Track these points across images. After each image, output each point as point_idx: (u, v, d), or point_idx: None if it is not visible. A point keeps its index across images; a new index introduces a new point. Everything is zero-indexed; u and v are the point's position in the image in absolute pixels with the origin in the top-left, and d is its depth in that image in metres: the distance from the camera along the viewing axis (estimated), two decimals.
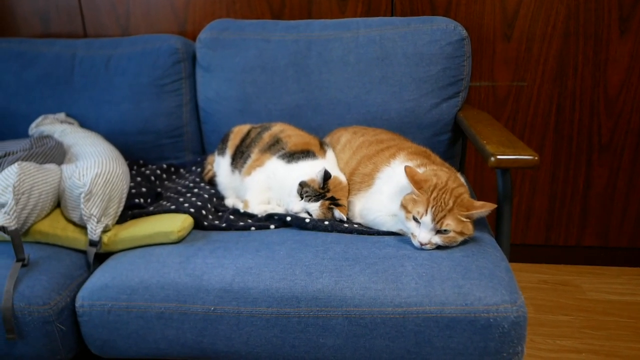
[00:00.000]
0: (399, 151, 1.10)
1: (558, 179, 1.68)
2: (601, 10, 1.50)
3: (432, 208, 0.93)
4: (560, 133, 1.63)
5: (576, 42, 1.54)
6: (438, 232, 0.94)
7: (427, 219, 0.93)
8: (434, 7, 1.56)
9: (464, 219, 0.94)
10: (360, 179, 1.11)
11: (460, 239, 0.95)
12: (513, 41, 1.56)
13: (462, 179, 1.04)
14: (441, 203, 0.93)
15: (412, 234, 0.96)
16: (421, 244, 0.94)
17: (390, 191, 1.03)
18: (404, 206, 0.97)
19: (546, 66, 1.57)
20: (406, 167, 0.97)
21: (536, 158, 0.96)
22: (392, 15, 1.58)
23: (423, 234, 0.94)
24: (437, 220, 0.92)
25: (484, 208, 0.94)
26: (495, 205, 0.96)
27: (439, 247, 0.96)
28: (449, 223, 0.92)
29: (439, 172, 1.00)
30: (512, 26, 1.55)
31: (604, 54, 1.54)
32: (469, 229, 0.95)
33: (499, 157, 0.97)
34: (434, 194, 0.94)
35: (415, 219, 0.94)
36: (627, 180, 1.65)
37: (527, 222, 1.73)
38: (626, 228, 1.69)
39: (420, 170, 1.02)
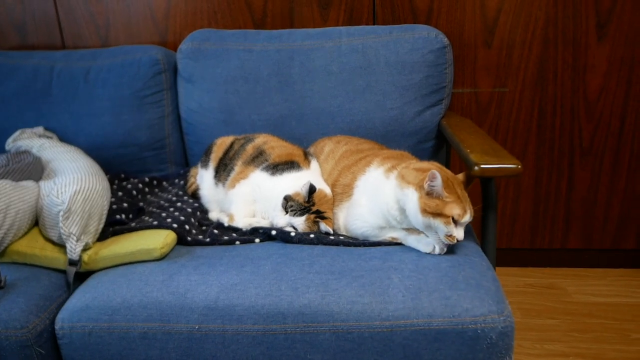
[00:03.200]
0: (373, 158, 1.10)
1: (541, 183, 1.69)
2: (579, 17, 1.53)
3: (468, 204, 0.94)
4: (542, 137, 1.65)
5: (555, 48, 1.56)
6: None
7: (467, 217, 0.93)
8: (415, 14, 1.57)
9: None
10: (341, 189, 1.10)
11: None
12: (494, 48, 1.58)
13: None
14: (466, 196, 0.95)
15: (447, 235, 0.93)
16: (457, 241, 0.94)
17: (369, 201, 1.03)
18: (435, 213, 0.92)
19: (527, 72, 1.59)
20: (432, 172, 0.91)
21: (519, 167, 0.96)
22: (374, 23, 1.58)
23: (462, 232, 0.94)
24: (471, 214, 0.94)
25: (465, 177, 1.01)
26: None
27: (421, 255, 0.97)
28: (473, 213, 0.95)
29: (425, 164, 1.01)
30: (493, 33, 1.56)
31: (582, 60, 1.56)
32: None
33: (482, 166, 0.97)
34: (459, 192, 0.94)
35: (454, 221, 0.93)
36: (609, 182, 1.67)
37: (512, 226, 1.75)
38: (609, 230, 1.72)
39: (394, 173, 1.01)
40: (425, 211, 0.92)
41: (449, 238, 0.93)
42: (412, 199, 0.94)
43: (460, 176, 1.00)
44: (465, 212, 0.93)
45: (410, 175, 0.97)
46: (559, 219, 1.72)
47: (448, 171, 1.00)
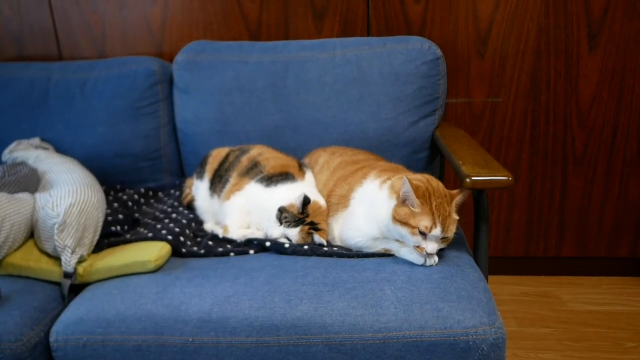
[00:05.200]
0: (370, 170, 1.10)
1: (535, 192, 1.71)
2: (570, 27, 1.55)
3: (439, 218, 0.92)
4: (535, 146, 1.66)
5: (548, 58, 1.58)
6: (442, 238, 0.94)
7: (437, 231, 0.92)
8: (409, 26, 1.58)
9: (456, 216, 0.96)
10: (337, 200, 1.11)
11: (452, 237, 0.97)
12: (487, 58, 1.59)
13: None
14: (442, 210, 0.92)
15: (416, 246, 0.94)
16: (429, 255, 0.94)
17: (365, 212, 1.03)
18: (402, 222, 0.93)
19: (520, 82, 1.61)
20: (407, 178, 0.92)
21: (510, 179, 0.97)
22: (368, 35, 1.60)
23: (431, 245, 0.93)
24: (445, 228, 0.92)
25: (460, 195, 0.97)
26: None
27: (413, 266, 0.97)
28: (452, 228, 0.94)
29: (417, 176, 1.01)
30: (486, 44, 1.58)
31: (574, 70, 1.58)
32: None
33: (473, 178, 0.98)
34: (434, 202, 0.93)
35: (421, 232, 0.92)
36: (602, 190, 1.68)
37: (507, 234, 1.76)
38: (603, 237, 1.73)
39: (387, 184, 1.01)
40: (394, 218, 0.93)
41: (418, 249, 0.94)
42: (390, 205, 0.96)
43: (455, 192, 0.99)
44: (434, 225, 0.91)
45: (399, 185, 0.98)
46: (553, 227, 1.73)
47: (433, 183, 0.98)
